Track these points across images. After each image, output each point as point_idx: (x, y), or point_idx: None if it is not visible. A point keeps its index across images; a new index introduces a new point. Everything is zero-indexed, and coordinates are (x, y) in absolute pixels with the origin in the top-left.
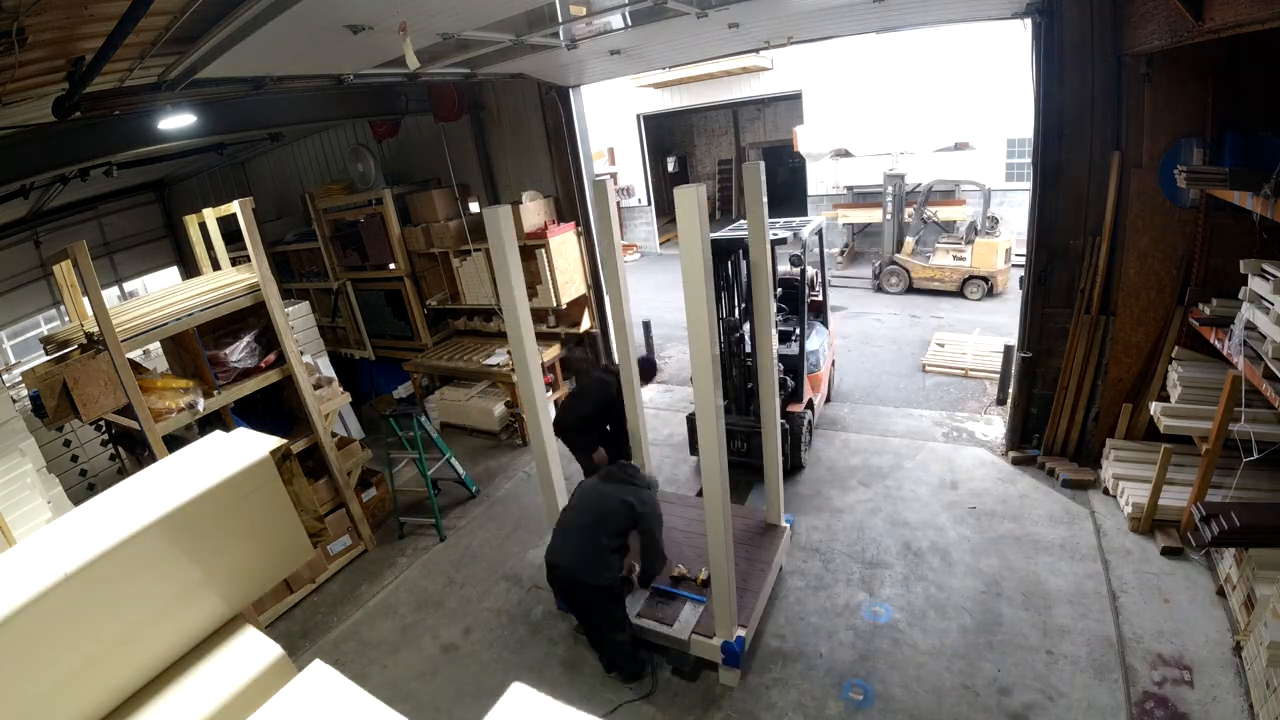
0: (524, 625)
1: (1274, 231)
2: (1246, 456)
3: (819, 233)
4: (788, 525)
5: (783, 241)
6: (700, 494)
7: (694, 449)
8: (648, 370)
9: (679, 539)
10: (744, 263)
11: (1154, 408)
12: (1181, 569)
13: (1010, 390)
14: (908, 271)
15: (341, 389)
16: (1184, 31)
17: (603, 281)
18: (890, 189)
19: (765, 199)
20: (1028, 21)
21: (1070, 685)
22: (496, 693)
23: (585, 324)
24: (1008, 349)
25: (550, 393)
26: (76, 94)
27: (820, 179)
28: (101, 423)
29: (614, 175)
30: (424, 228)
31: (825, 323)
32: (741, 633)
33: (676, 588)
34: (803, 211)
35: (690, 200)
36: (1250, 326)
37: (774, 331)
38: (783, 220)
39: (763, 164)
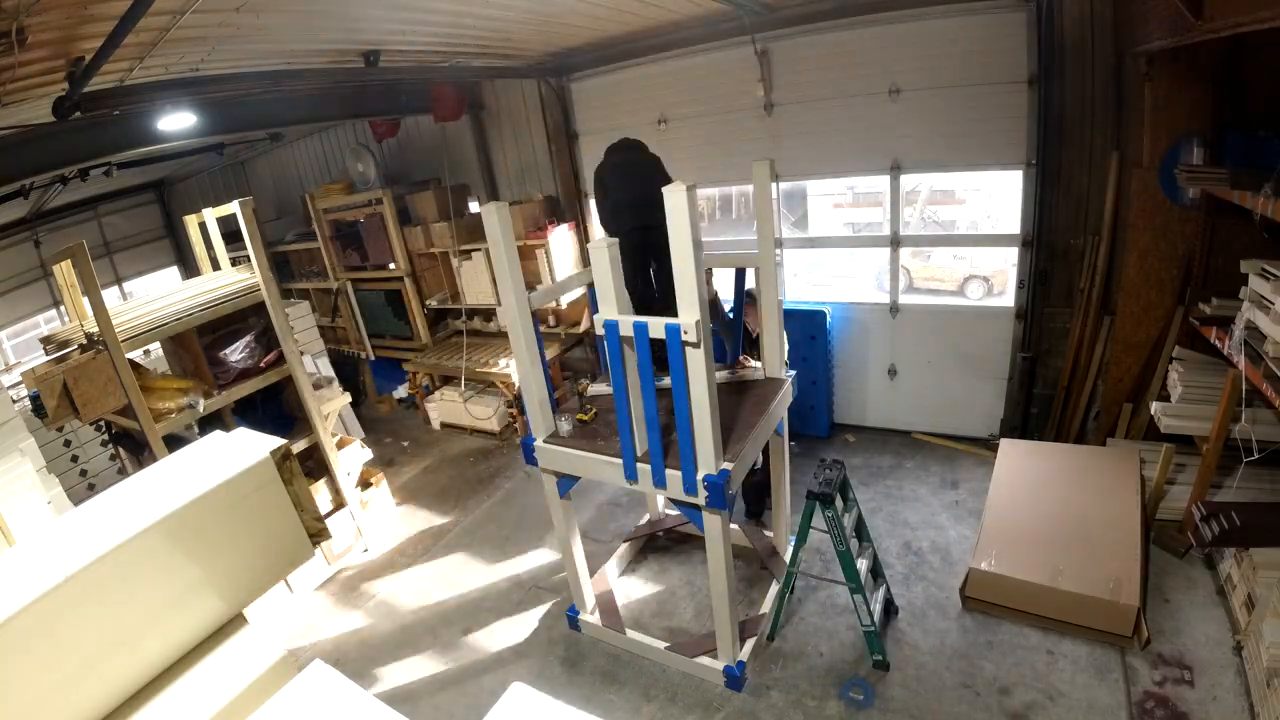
0: (524, 625)
1: (1274, 231)
2: (1246, 456)
3: None
4: (789, 378)
5: None
6: None
7: None
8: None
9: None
10: None
11: (1154, 407)
12: (1181, 569)
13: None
14: (908, 271)
15: (342, 389)
16: (1184, 30)
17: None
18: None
19: (776, 196)
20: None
21: (1071, 685)
22: (496, 693)
23: (585, 324)
24: None
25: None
26: (76, 94)
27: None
28: (101, 423)
29: None
30: (424, 227)
31: None
32: (727, 466)
33: None
34: (802, 210)
35: (680, 201)
36: (1251, 326)
37: None
38: None
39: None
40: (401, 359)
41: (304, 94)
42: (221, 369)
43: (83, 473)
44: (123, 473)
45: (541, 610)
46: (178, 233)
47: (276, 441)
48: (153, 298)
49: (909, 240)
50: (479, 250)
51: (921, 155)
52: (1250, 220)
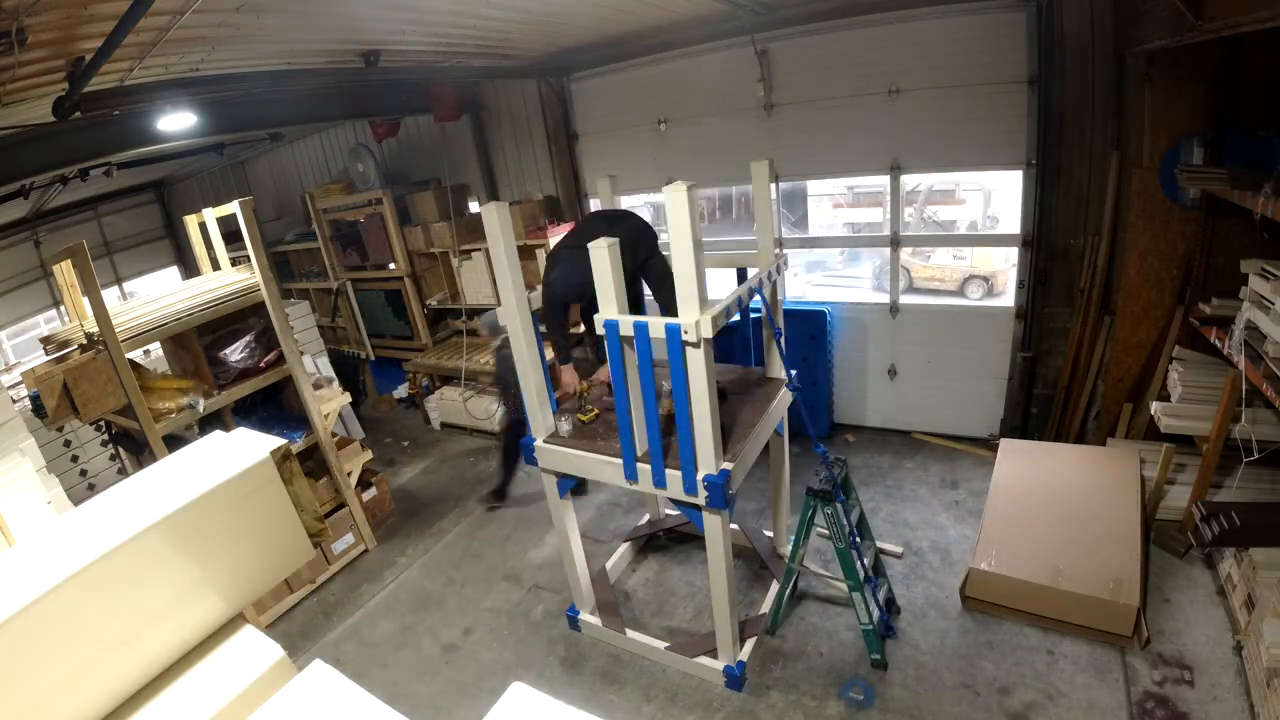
0: (524, 625)
1: (1274, 231)
2: (1246, 456)
3: None
4: (789, 376)
5: None
6: None
7: None
8: None
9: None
10: None
11: (1154, 407)
12: (1181, 569)
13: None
14: (908, 271)
15: (342, 389)
16: (1184, 30)
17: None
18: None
19: (775, 196)
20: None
21: (1071, 685)
22: (496, 693)
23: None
24: None
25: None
26: (76, 94)
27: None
28: (101, 423)
29: None
30: (424, 227)
31: None
32: (727, 466)
33: None
34: (802, 210)
35: (680, 200)
36: (1251, 326)
37: None
38: None
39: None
40: (401, 359)
41: (304, 94)
42: (221, 369)
43: (83, 473)
44: (123, 473)
45: (541, 610)
46: (178, 233)
47: (276, 441)
48: (153, 298)
49: (909, 240)
50: (479, 250)
51: (921, 155)
52: (1250, 220)
